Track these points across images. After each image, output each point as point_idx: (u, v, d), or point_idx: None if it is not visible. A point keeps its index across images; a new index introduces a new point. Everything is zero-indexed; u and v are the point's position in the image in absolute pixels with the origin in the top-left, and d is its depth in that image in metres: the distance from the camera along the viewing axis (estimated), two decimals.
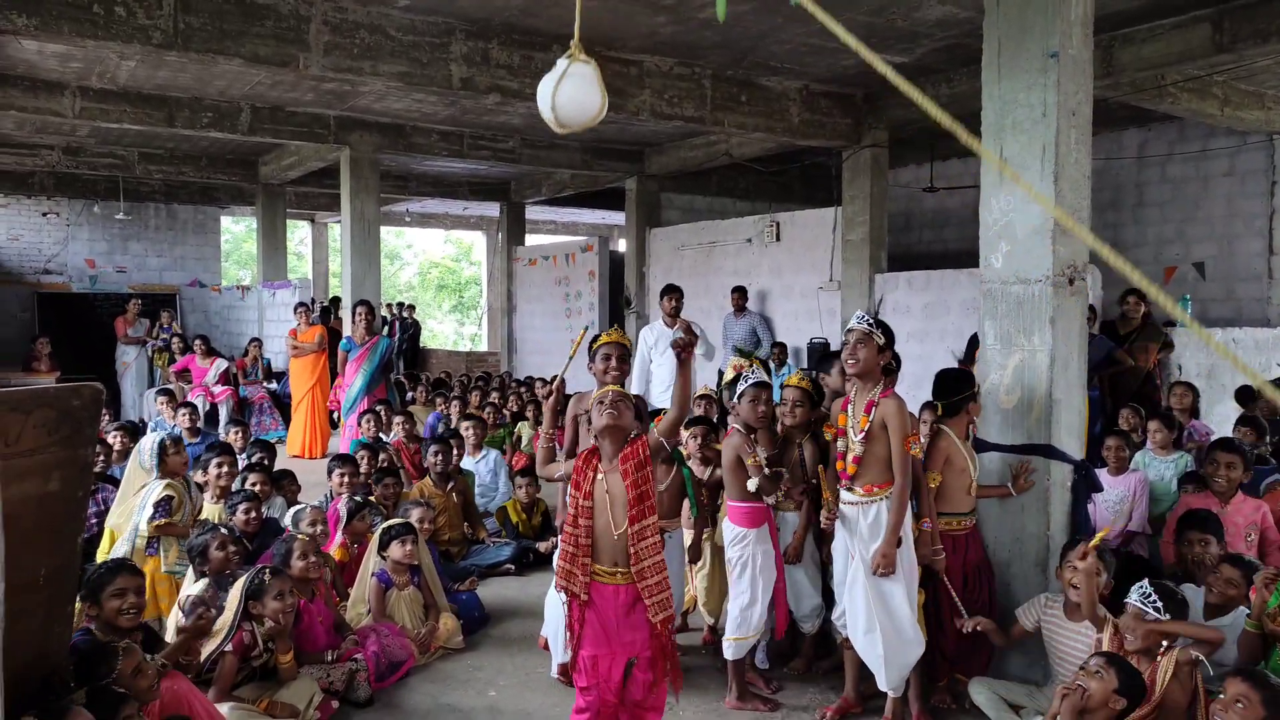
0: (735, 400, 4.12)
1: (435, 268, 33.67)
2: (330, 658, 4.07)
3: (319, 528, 4.70)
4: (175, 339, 12.70)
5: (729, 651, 4.00)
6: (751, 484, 3.88)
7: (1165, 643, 3.13)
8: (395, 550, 4.60)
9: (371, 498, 5.63)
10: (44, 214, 15.49)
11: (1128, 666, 3.04)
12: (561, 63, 2.86)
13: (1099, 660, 3.07)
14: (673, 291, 7.98)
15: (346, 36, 6.76)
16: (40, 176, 14.55)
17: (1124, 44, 7.24)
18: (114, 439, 6.85)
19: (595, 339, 4.00)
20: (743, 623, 3.96)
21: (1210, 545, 4.07)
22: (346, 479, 5.68)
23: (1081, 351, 4.22)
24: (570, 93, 2.76)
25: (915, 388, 9.25)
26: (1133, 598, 3.21)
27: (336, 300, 13.60)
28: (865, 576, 3.64)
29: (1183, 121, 10.32)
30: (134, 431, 7.49)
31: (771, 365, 9.80)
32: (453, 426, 7.84)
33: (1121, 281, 8.54)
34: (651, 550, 3.14)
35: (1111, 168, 11.30)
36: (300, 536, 4.27)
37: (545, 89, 2.84)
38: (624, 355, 3.90)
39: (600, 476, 3.18)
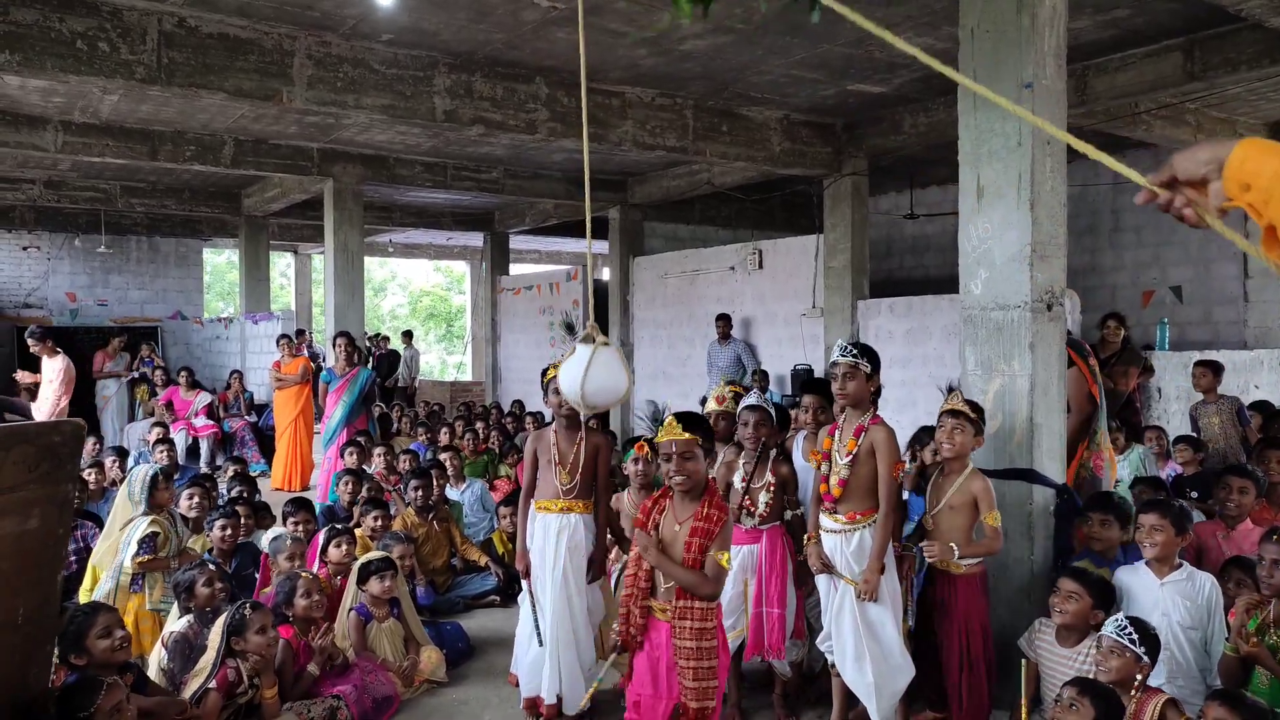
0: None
1: (427, 296, 33.60)
2: (314, 668, 4.03)
3: (296, 561, 4.67)
4: (158, 371, 12.60)
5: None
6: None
7: (1139, 677, 3.09)
8: (374, 585, 4.56)
9: (358, 530, 5.57)
10: (24, 248, 15.41)
11: (1102, 690, 2.96)
12: (582, 349, 2.83)
13: (1072, 691, 2.95)
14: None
15: (330, 70, 6.80)
16: (20, 210, 14.48)
17: (1097, 73, 7.38)
18: (110, 464, 7.03)
19: (545, 371, 4.01)
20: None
21: (1111, 527, 4.01)
22: (302, 526, 5.44)
23: (1061, 376, 4.26)
24: (599, 378, 2.79)
25: (899, 412, 9.29)
26: (1108, 630, 3.19)
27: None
28: (852, 604, 3.63)
29: (1157, 148, 10.47)
30: (124, 456, 7.53)
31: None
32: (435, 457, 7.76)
33: (1101, 306, 8.63)
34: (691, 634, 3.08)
35: (1088, 194, 11.44)
36: (305, 575, 4.22)
37: (573, 375, 2.81)
38: None
39: (677, 525, 3.17)
